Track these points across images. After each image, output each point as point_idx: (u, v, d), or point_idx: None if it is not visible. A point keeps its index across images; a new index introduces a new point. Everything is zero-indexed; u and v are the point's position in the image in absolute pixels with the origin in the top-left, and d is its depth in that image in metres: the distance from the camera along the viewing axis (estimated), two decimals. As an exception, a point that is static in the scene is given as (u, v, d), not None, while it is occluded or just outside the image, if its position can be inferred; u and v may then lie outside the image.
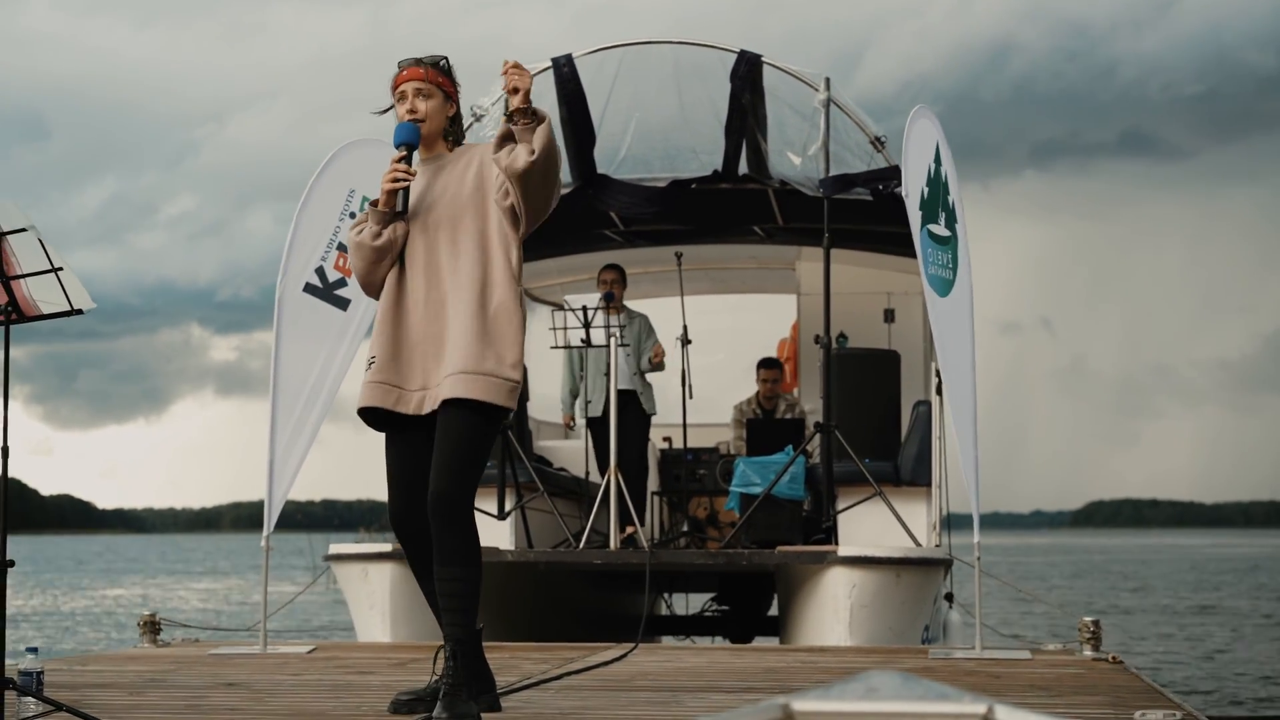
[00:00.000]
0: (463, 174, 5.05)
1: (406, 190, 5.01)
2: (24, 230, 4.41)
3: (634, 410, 11.02)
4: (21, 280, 4.49)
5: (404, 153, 5.03)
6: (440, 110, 5.13)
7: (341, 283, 8.14)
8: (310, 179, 8.28)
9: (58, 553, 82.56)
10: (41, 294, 4.49)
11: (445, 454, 4.84)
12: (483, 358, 4.84)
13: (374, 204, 5.06)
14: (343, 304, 8.11)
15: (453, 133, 5.20)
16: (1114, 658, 7.28)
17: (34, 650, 4.84)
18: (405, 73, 5.13)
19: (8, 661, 4.58)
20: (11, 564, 4.43)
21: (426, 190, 5.07)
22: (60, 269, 4.43)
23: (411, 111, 5.09)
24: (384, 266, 5.05)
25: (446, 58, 5.21)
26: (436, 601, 5.05)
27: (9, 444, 4.43)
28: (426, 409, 4.93)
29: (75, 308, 4.50)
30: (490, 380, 4.84)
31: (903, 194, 7.94)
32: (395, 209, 5.02)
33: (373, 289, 5.12)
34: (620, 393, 10.07)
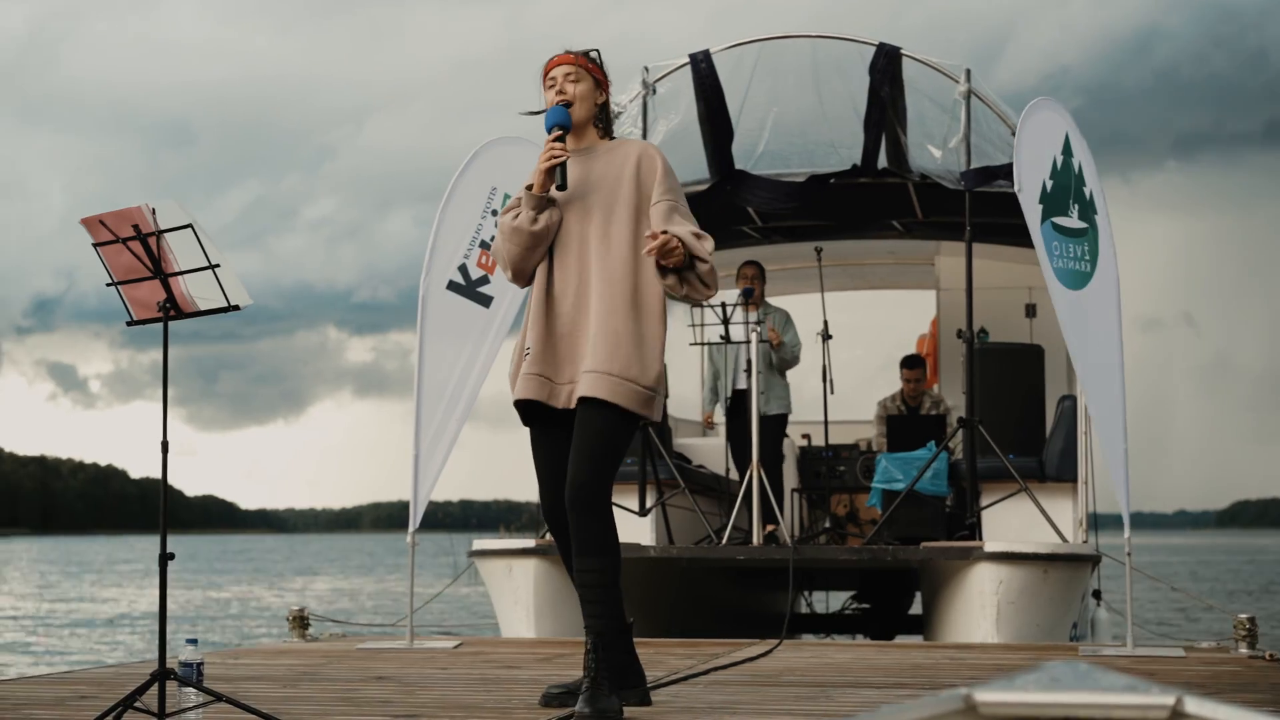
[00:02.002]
0: (620, 167, 5.02)
1: (564, 168, 4.96)
2: (184, 227, 4.47)
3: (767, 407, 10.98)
4: (180, 277, 4.55)
5: (558, 133, 5.01)
6: (590, 95, 5.11)
7: (484, 280, 8.18)
8: (452, 177, 8.34)
9: (203, 551, 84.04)
10: (199, 291, 4.55)
11: (584, 445, 4.84)
12: (628, 362, 4.84)
13: (528, 188, 5.02)
14: (485, 301, 8.15)
15: (603, 122, 5.18)
16: (1271, 655, 7.12)
17: (193, 642, 4.91)
18: (555, 59, 5.13)
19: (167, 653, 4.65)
20: (172, 557, 4.49)
21: (580, 179, 5.03)
22: (217, 265, 4.49)
23: (561, 94, 5.10)
24: (538, 253, 5.03)
25: (598, 50, 5.20)
26: None
27: (168, 439, 4.49)
28: (574, 403, 4.93)
29: (232, 304, 4.55)
30: (632, 388, 4.83)
31: (1016, 190, 7.85)
32: (550, 192, 5.00)
33: (524, 277, 5.09)
34: (747, 390, 10.05)
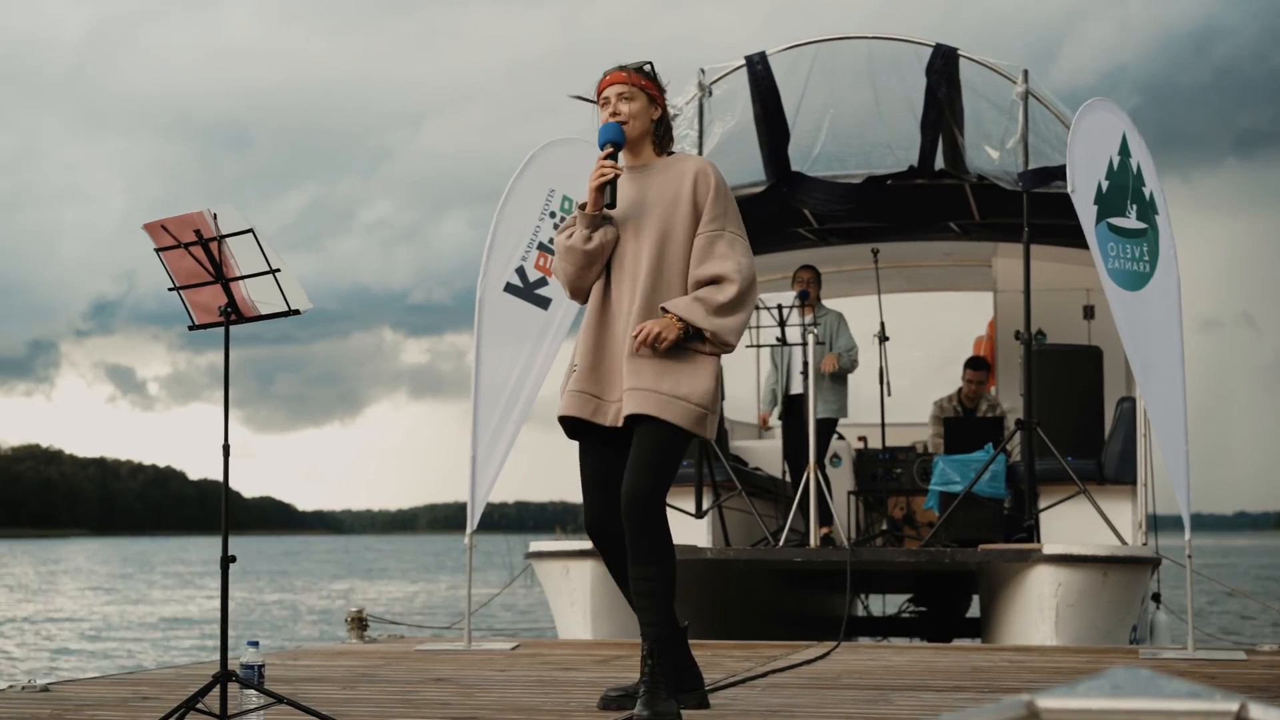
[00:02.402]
0: (676, 186, 5.00)
1: (613, 186, 4.96)
2: (244, 232, 4.50)
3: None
4: (240, 281, 4.59)
5: (610, 150, 5.01)
6: (643, 113, 5.09)
7: (542, 282, 8.19)
8: (510, 179, 8.36)
9: (263, 552, 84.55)
10: (260, 295, 4.59)
11: (641, 455, 4.84)
12: (677, 381, 4.84)
13: (581, 207, 5.02)
14: (544, 303, 8.17)
15: (659, 138, 5.15)
16: (1334, 660, 7.06)
17: (255, 644, 4.94)
18: (608, 78, 5.12)
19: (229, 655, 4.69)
20: (233, 559, 4.53)
21: (636, 196, 5.02)
22: (278, 270, 4.52)
23: (614, 114, 5.09)
24: (594, 272, 5.04)
25: (650, 63, 5.17)
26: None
27: (229, 441, 4.53)
28: (622, 421, 4.93)
29: (293, 308, 4.58)
30: (683, 405, 4.82)
31: (1069, 191, 7.81)
32: (603, 209, 5.00)
33: (581, 294, 5.10)
34: (804, 394, 10.04)
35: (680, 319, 4.83)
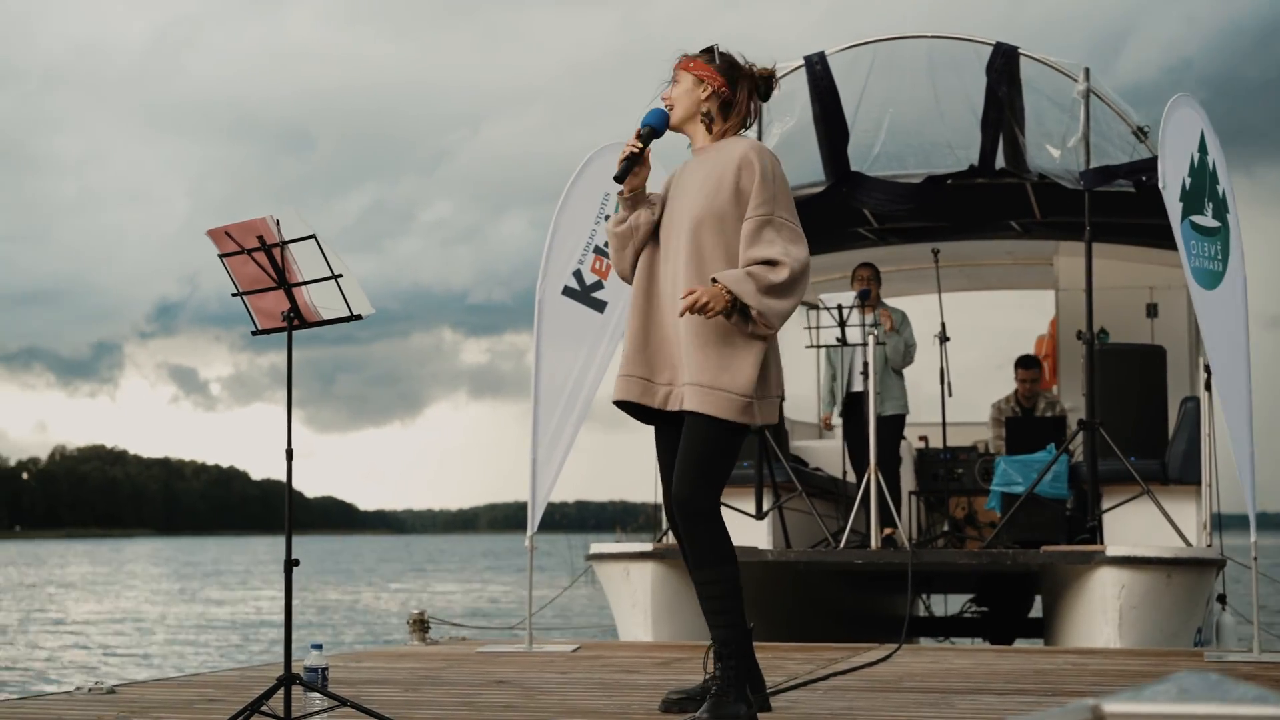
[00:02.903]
0: (721, 169, 4.91)
1: (629, 163, 4.96)
2: (307, 238, 4.53)
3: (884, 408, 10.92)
4: (303, 287, 4.62)
5: (642, 130, 5.02)
6: (687, 94, 5.03)
7: (598, 285, 8.21)
8: (567, 183, 8.39)
9: (323, 551, 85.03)
10: (322, 300, 4.61)
11: (684, 460, 4.81)
12: (718, 371, 4.77)
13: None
14: (599, 306, 8.19)
15: (713, 120, 5.05)
16: (1404, 662, 6.98)
17: (318, 647, 4.97)
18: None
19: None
20: (296, 563, 4.56)
21: (687, 180, 5.00)
22: (340, 275, 4.54)
23: (665, 98, 5.08)
24: (628, 254, 5.04)
25: (714, 46, 5.11)
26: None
27: (293, 447, 4.56)
28: (672, 406, 4.90)
29: (355, 313, 4.61)
30: (723, 395, 4.75)
31: (1160, 186, 7.73)
32: (632, 190, 5.02)
33: (624, 277, 5.13)
34: (864, 393, 10.01)
35: (729, 292, 4.71)
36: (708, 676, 4.99)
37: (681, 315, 4.77)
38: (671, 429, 4.99)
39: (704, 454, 4.80)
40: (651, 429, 5.12)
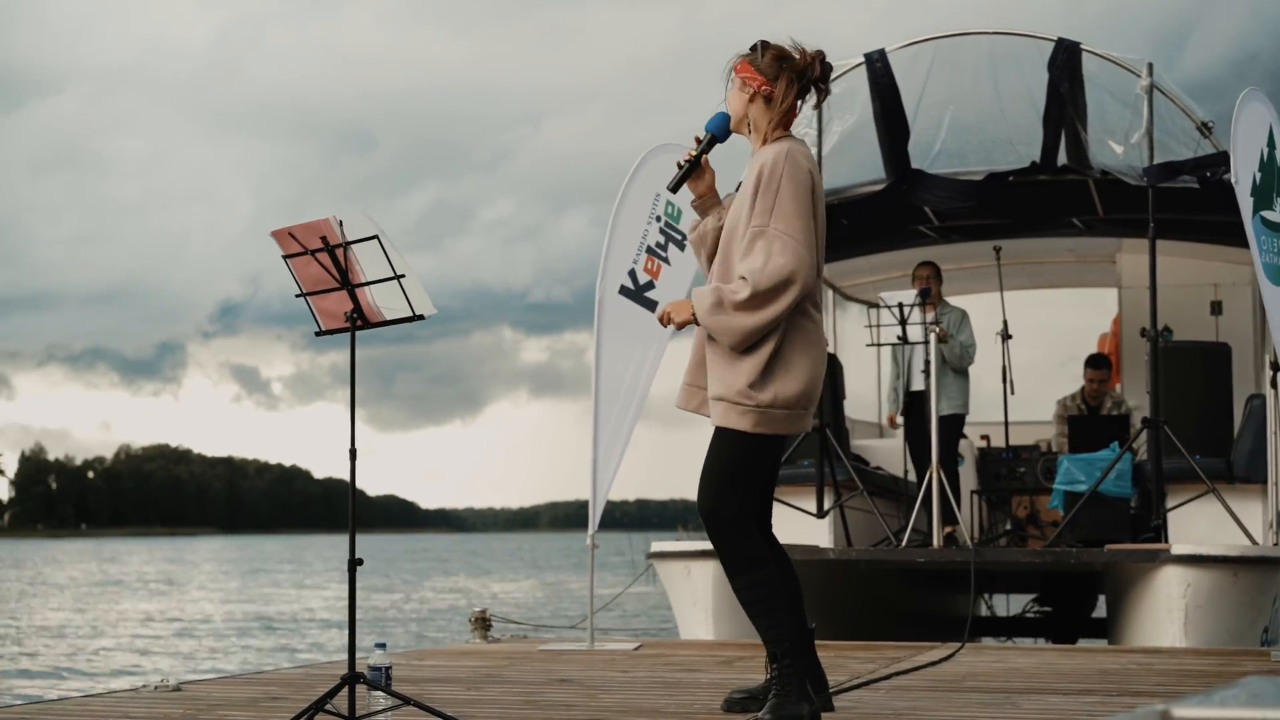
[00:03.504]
0: (748, 181, 4.85)
1: (683, 174, 4.99)
2: (370, 238, 4.55)
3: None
4: (366, 287, 4.64)
5: (700, 137, 5.01)
6: (734, 99, 4.96)
7: (650, 285, 8.23)
8: (622, 183, 8.40)
9: (386, 550, 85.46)
10: (385, 300, 4.63)
11: (703, 470, 4.82)
12: (719, 381, 4.77)
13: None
14: (652, 306, 8.19)
15: (757, 124, 4.94)
16: None
17: (381, 646, 5.00)
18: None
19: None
20: (360, 562, 4.58)
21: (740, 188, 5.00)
22: (403, 276, 4.56)
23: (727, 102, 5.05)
24: (702, 259, 5.09)
25: (759, 42, 4.98)
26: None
27: (356, 446, 4.58)
28: (704, 413, 4.91)
29: (417, 313, 4.63)
30: (726, 405, 4.73)
31: (1232, 181, 7.66)
32: (699, 197, 5.06)
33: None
34: (925, 391, 9.98)
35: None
36: (769, 677, 4.97)
37: (664, 325, 4.94)
38: None
39: (713, 461, 4.80)
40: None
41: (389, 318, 4.67)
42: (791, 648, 4.78)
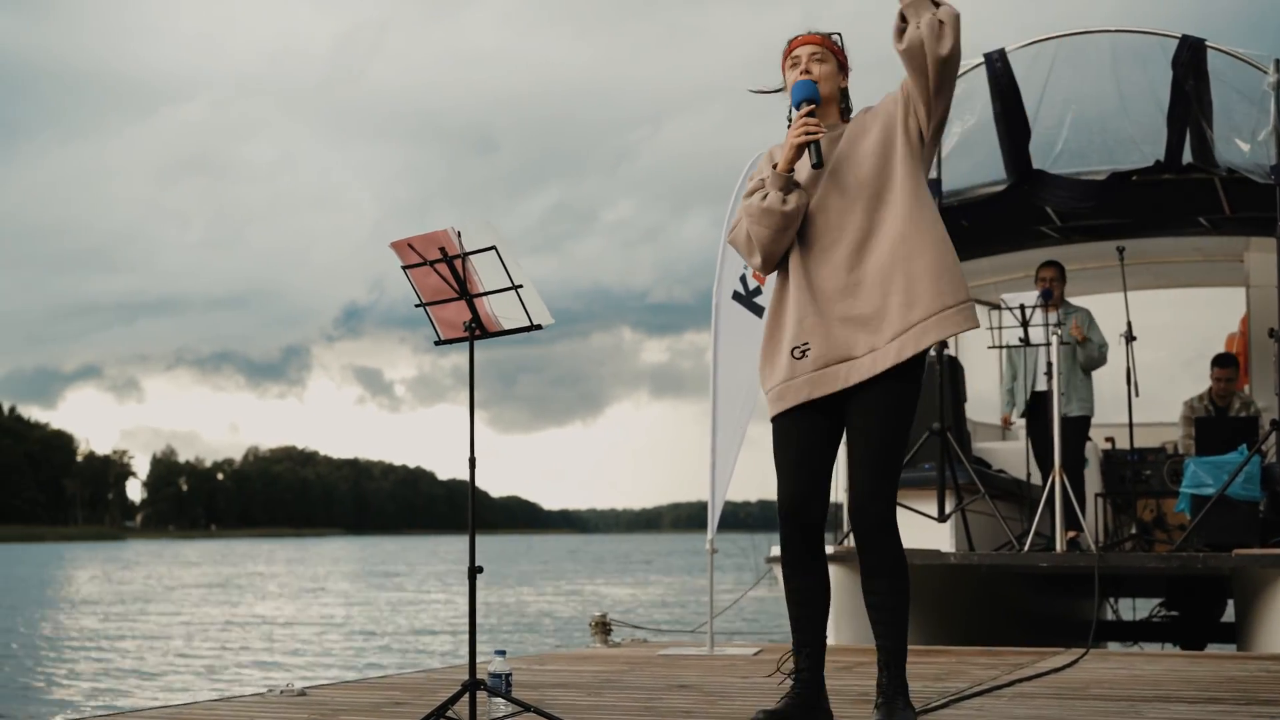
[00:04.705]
0: (872, 134, 4.75)
1: (818, 144, 4.70)
2: (488, 249, 4.59)
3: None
4: (484, 297, 4.69)
5: (809, 108, 4.77)
6: (833, 77, 4.89)
7: (758, 291, 8.23)
8: (736, 184, 8.40)
9: (507, 551, 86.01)
10: (502, 310, 4.68)
11: (870, 460, 4.78)
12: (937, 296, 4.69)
13: (774, 167, 4.81)
14: (759, 312, 8.19)
15: (845, 105, 4.94)
16: None
17: (502, 653, 5.04)
18: (800, 38, 4.95)
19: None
20: (480, 570, 4.63)
21: (832, 162, 4.77)
22: (520, 286, 4.60)
23: (806, 73, 4.89)
24: (788, 236, 4.77)
25: (839, 33, 4.99)
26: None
27: (475, 454, 4.63)
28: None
29: (535, 323, 4.66)
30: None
31: None
32: (797, 169, 4.78)
33: (773, 262, 4.83)
34: (1049, 393, 9.87)
35: None
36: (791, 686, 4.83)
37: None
38: None
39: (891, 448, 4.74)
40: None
41: (507, 327, 4.71)
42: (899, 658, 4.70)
